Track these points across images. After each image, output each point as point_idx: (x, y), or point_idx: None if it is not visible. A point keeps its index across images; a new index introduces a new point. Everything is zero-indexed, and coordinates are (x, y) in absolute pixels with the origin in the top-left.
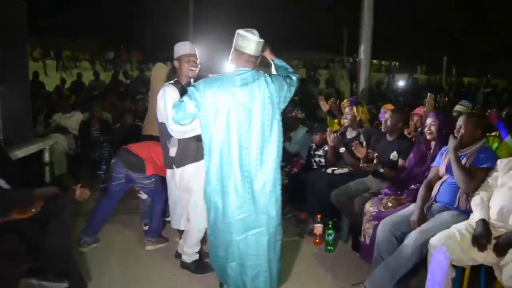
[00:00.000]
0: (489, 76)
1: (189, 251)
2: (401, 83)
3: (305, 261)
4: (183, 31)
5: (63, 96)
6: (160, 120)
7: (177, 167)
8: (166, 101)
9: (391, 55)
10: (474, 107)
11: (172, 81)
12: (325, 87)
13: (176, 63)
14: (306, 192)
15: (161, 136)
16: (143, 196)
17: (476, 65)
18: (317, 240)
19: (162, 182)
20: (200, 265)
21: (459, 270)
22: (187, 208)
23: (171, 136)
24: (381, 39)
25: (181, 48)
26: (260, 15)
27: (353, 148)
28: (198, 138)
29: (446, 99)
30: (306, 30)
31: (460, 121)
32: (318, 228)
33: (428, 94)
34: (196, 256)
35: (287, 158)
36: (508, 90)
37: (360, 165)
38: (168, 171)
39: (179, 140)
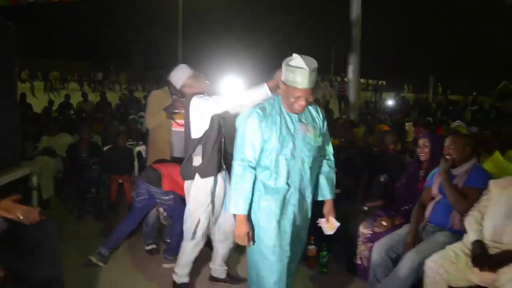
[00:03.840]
0: (474, 93)
1: (179, 272)
2: (390, 102)
3: (300, 283)
4: (171, 52)
5: (51, 118)
6: (193, 136)
7: (202, 177)
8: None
9: (378, 74)
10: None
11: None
12: None
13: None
14: None
15: (186, 148)
16: (163, 214)
17: (461, 83)
18: (310, 262)
19: (182, 201)
20: None
21: None
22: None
23: (197, 145)
24: (369, 58)
25: (180, 74)
26: (248, 36)
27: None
28: (220, 149)
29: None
30: (294, 51)
31: (448, 142)
32: (312, 250)
33: (406, 124)
34: (186, 280)
35: None
36: (496, 107)
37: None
38: (186, 184)
39: (204, 149)
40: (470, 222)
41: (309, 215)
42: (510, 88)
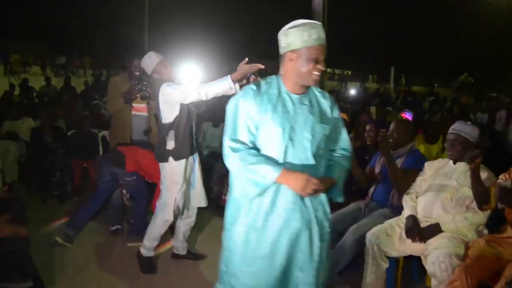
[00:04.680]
0: (436, 85)
1: (148, 244)
2: (352, 91)
3: None
4: (136, 35)
5: (13, 102)
6: (164, 121)
7: (176, 160)
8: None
9: (345, 64)
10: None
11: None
12: None
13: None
14: None
15: (159, 132)
16: (126, 195)
17: (424, 75)
18: None
19: (145, 184)
20: (150, 265)
21: (393, 262)
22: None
23: (169, 130)
24: (335, 48)
25: (150, 61)
26: (218, 22)
27: None
28: (191, 133)
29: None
30: (261, 39)
31: (392, 127)
32: None
33: (371, 107)
34: (151, 254)
35: None
36: (451, 99)
37: None
38: (161, 165)
39: (177, 134)
40: (406, 200)
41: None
42: (469, 80)
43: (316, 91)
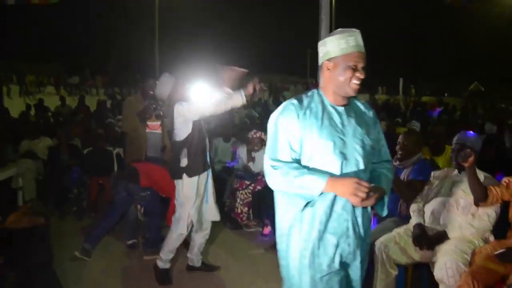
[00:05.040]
0: (446, 94)
1: (164, 257)
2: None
3: (269, 271)
4: (148, 53)
5: (30, 122)
6: (177, 139)
7: (189, 176)
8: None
9: None
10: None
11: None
12: None
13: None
14: (268, 208)
15: (173, 149)
16: (140, 210)
17: (433, 84)
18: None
19: (159, 199)
20: (166, 276)
21: (402, 270)
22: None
23: (183, 148)
24: None
25: (166, 83)
26: (224, 38)
27: None
28: (204, 150)
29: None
30: (270, 53)
31: (401, 138)
32: None
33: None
34: (167, 266)
35: (251, 177)
36: (460, 108)
37: None
38: (176, 182)
39: (189, 151)
40: (413, 209)
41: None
42: (480, 88)
43: (358, 102)
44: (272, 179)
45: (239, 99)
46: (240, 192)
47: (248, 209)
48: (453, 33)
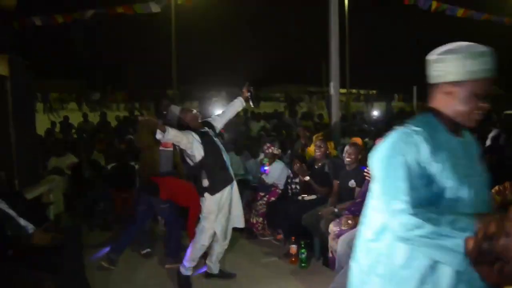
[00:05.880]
0: None
1: (188, 265)
2: (375, 112)
3: (283, 277)
4: (165, 68)
5: (56, 139)
6: (193, 163)
7: (211, 194)
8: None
9: (369, 84)
10: None
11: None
12: (304, 120)
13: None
14: (281, 218)
15: (192, 171)
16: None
17: None
18: (293, 259)
19: (177, 210)
20: (187, 282)
21: None
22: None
23: (201, 170)
24: (359, 69)
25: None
26: (239, 51)
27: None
28: (222, 167)
29: None
30: (286, 64)
31: None
32: (293, 248)
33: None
34: (189, 273)
35: (265, 189)
36: None
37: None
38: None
39: (208, 172)
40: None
41: None
42: (498, 91)
43: (466, 131)
44: (413, 238)
45: (239, 104)
46: (255, 203)
47: (263, 219)
48: (474, 39)
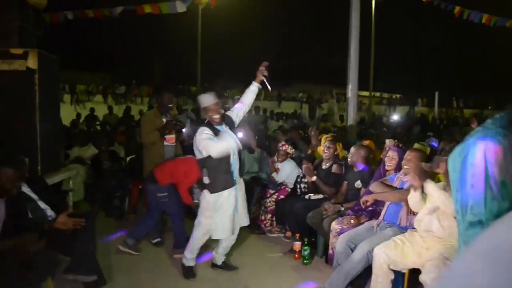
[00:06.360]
0: (489, 107)
1: (188, 256)
2: (395, 117)
3: (286, 273)
4: (190, 64)
5: (80, 130)
6: (198, 157)
7: (212, 192)
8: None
9: (394, 88)
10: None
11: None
12: (323, 121)
13: (203, 112)
14: (288, 215)
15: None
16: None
17: (477, 96)
18: (296, 256)
19: (177, 199)
20: (190, 271)
21: (399, 274)
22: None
23: (203, 167)
24: (383, 72)
25: (206, 100)
26: (263, 49)
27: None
28: (227, 170)
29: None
30: (308, 63)
31: (407, 155)
32: (297, 245)
33: (387, 140)
34: (192, 263)
35: (275, 187)
36: None
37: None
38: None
39: (209, 171)
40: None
41: None
42: None
43: None
44: None
45: (254, 89)
46: (264, 200)
47: (272, 216)
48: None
